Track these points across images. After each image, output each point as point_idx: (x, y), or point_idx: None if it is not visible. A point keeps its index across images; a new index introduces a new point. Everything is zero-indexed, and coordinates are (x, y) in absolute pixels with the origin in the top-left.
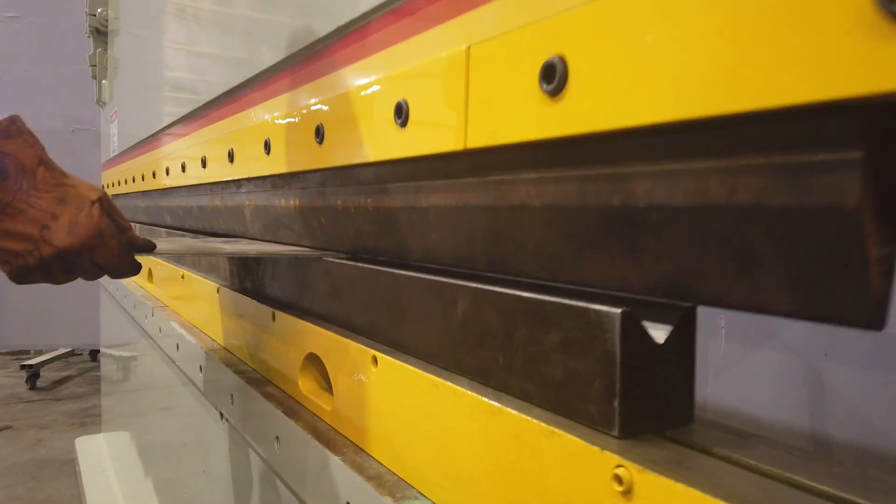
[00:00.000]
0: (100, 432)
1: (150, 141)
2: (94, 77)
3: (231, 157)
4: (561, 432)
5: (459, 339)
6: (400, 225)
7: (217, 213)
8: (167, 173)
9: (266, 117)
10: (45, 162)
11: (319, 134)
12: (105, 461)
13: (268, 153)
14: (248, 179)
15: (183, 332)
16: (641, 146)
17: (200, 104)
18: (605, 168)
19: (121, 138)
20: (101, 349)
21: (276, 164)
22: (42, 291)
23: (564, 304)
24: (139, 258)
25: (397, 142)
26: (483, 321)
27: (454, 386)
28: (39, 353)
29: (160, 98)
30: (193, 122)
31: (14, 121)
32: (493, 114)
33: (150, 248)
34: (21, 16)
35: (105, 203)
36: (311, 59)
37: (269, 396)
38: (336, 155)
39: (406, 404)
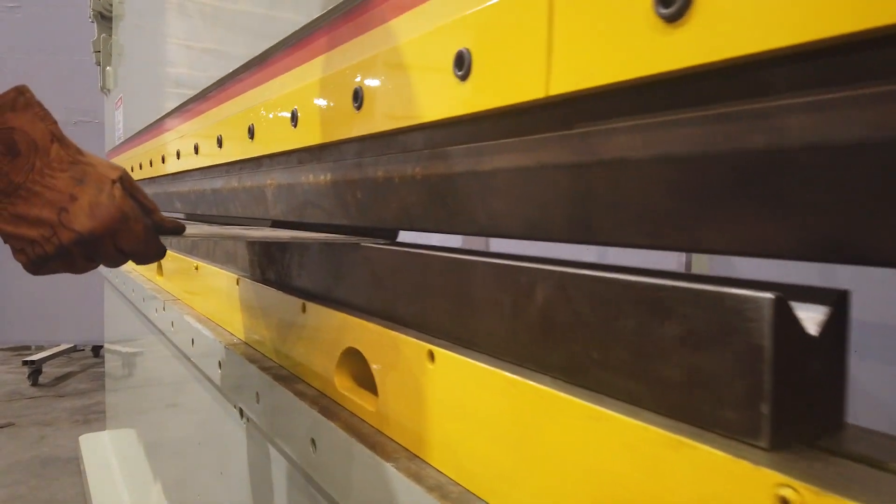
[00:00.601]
0: (104, 429)
1: (159, 124)
2: (98, 63)
3: (251, 133)
4: (693, 443)
5: (538, 332)
6: (455, 193)
7: (234, 196)
8: (178, 156)
9: (293, 86)
10: (58, 137)
11: (358, 98)
12: (110, 459)
13: (295, 125)
14: (271, 156)
15: (199, 326)
16: (799, 72)
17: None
18: (743, 104)
19: (126, 125)
20: (106, 345)
21: (305, 137)
22: (44, 286)
23: (689, 290)
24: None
25: (457, 98)
26: (571, 311)
27: (537, 385)
28: (41, 348)
29: (168, 81)
30: (207, 101)
31: (21, 91)
32: (587, 52)
33: (179, 231)
34: (22, 6)
35: (127, 182)
36: (347, 15)
37: (301, 395)
38: (377, 120)
39: (472, 405)
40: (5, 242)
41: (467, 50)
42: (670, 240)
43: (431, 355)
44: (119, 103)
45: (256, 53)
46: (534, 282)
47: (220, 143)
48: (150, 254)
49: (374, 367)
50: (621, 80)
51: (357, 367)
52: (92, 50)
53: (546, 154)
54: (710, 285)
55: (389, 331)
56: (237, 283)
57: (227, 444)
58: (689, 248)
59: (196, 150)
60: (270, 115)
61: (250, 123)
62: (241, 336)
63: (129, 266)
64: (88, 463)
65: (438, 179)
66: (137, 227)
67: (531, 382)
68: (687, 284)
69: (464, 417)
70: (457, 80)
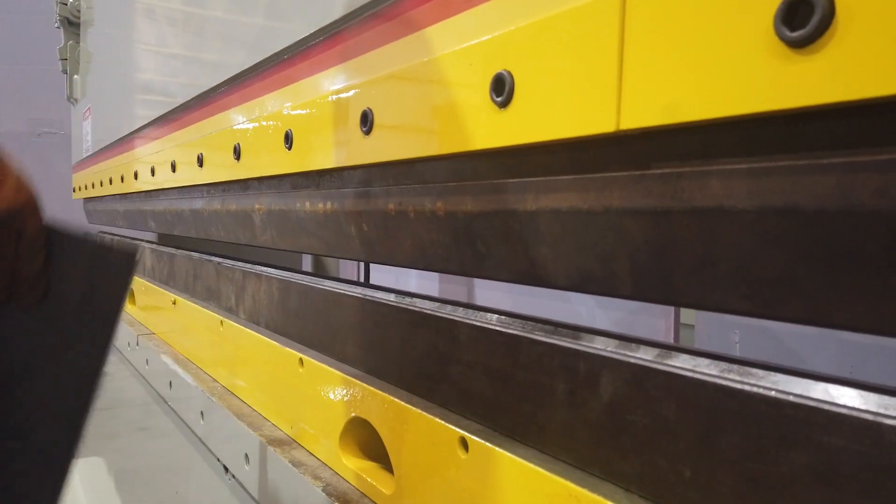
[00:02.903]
0: None
1: (132, 138)
2: (65, 72)
3: (237, 153)
4: None
5: (606, 432)
6: (488, 234)
7: (216, 218)
8: (153, 174)
9: (288, 104)
10: None
11: (367, 122)
12: (78, 493)
13: (289, 148)
14: (260, 179)
15: (177, 368)
16: None
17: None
18: None
19: (95, 137)
20: None
21: (301, 161)
22: None
23: (828, 413)
24: None
25: (495, 127)
26: (653, 413)
27: (608, 502)
28: None
29: (141, 92)
30: (187, 115)
31: None
32: (673, 81)
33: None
34: None
35: None
36: (356, 27)
37: (300, 465)
38: (390, 147)
39: None
40: None
41: (508, 73)
42: (783, 309)
43: (464, 443)
44: (87, 114)
45: (243, 65)
46: (597, 371)
47: (200, 161)
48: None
49: (390, 446)
50: (722, 118)
51: (366, 437)
52: (58, 58)
53: (612, 197)
54: (858, 402)
55: (410, 407)
56: (221, 325)
57: (208, 499)
58: (807, 321)
59: (173, 167)
60: (261, 136)
61: (236, 143)
62: (226, 384)
63: None
64: None
65: (466, 217)
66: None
67: (600, 497)
68: (824, 403)
69: None
70: (494, 106)
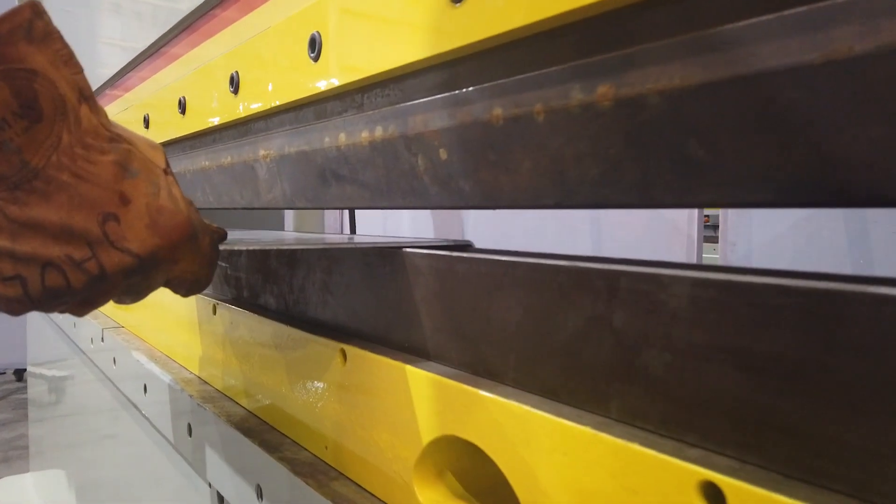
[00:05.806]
0: (27, 469)
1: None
2: None
3: (234, 84)
4: None
5: None
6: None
7: (203, 178)
8: None
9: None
10: (87, 97)
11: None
12: None
13: (316, 58)
14: (268, 114)
15: (154, 368)
16: None
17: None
18: None
19: None
20: (29, 368)
21: (334, 74)
22: None
23: None
24: None
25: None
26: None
27: None
28: None
29: (101, 51)
30: (165, 53)
31: (38, 12)
32: None
33: (224, 237)
34: None
35: (170, 169)
36: None
37: None
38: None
39: None
40: None
41: None
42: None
43: (716, 492)
44: None
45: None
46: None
47: (182, 106)
48: (210, 278)
49: (516, 483)
50: None
51: (459, 464)
52: None
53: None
54: None
55: (559, 420)
56: (214, 312)
57: None
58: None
59: (146, 123)
60: (269, 51)
61: (233, 71)
62: (222, 387)
63: None
64: None
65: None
66: (205, 242)
67: None
68: None
69: None
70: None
